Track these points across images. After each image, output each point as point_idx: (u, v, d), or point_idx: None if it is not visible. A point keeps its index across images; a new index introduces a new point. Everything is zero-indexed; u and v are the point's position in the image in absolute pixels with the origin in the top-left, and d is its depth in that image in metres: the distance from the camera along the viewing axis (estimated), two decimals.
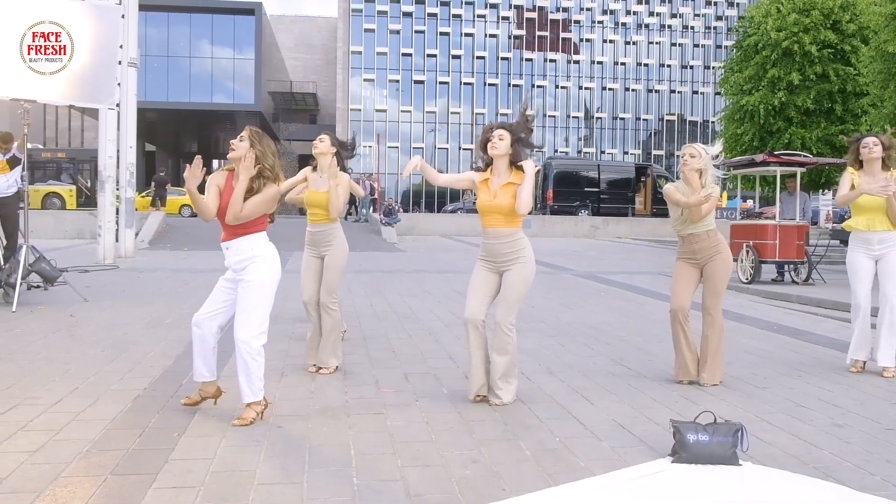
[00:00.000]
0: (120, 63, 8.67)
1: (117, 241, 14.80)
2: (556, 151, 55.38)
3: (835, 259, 15.74)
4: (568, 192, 31.80)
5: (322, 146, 5.60)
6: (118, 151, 14.48)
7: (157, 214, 22.47)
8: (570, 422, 4.38)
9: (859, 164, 5.83)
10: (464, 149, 55.88)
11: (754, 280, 12.47)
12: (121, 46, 8.63)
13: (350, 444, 3.86)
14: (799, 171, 12.57)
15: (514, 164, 4.66)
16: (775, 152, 13.66)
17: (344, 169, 5.85)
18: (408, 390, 5.04)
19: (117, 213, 14.77)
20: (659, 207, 32.59)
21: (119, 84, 8.66)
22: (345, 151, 5.73)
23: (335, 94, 56.50)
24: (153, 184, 28.17)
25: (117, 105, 8.69)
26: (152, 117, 50.93)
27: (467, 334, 4.77)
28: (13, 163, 8.78)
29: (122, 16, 8.67)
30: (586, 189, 32.32)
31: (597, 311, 9.25)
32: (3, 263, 8.80)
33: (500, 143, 4.60)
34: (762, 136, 21.68)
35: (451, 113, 55.46)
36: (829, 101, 20.67)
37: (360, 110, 53.88)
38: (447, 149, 55.59)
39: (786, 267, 12.94)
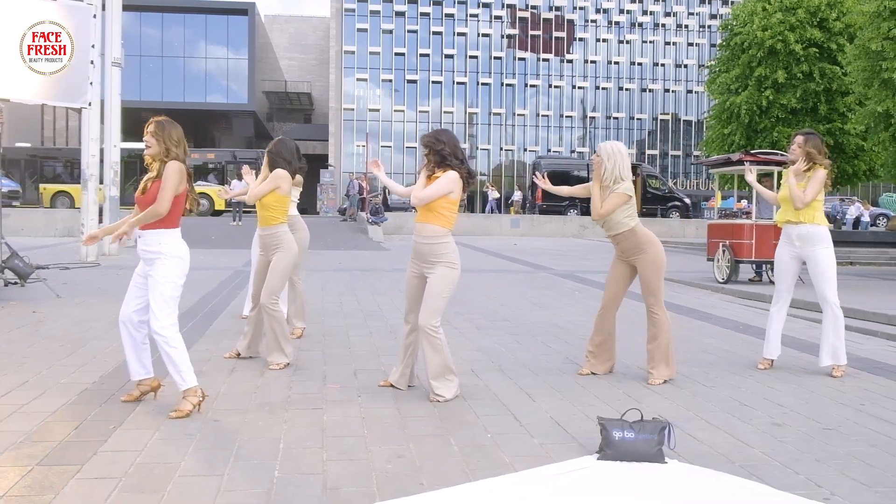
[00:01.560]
0: (92, 63, 8.67)
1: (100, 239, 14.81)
2: (549, 151, 55.40)
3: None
4: None
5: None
6: (102, 150, 14.51)
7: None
8: (507, 419, 4.42)
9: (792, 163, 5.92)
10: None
11: (730, 280, 12.52)
12: (93, 46, 8.65)
13: (280, 439, 3.90)
14: (776, 170, 12.63)
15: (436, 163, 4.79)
16: (752, 151, 13.71)
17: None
18: (353, 386, 5.09)
19: (101, 211, 14.82)
20: (649, 207, 32.66)
21: (91, 83, 8.66)
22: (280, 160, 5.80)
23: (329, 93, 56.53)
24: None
25: (90, 104, 8.67)
26: (148, 117, 50.95)
27: (405, 332, 5.04)
28: None
29: (94, 15, 8.66)
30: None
31: (567, 310, 9.30)
32: None
33: (428, 156, 4.84)
34: (749, 135, 21.73)
35: (445, 112, 55.40)
36: (814, 99, 20.72)
37: (353, 110, 53.83)
38: None
39: (763, 267, 12.99)
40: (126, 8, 45.69)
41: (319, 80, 60.12)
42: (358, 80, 53.90)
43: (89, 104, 8.68)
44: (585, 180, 33.27)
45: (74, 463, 3.45)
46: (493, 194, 35.56)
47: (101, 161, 14.40)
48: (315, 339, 6.83)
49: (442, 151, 4.78)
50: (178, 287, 4.30)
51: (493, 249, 20.16)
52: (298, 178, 7.49)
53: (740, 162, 12.54)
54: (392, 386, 5.03)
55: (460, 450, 3.83)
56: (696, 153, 51.78)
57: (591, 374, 5.62)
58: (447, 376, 4.78)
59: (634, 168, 35.64)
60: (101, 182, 14.66)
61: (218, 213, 32.22)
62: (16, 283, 9.15)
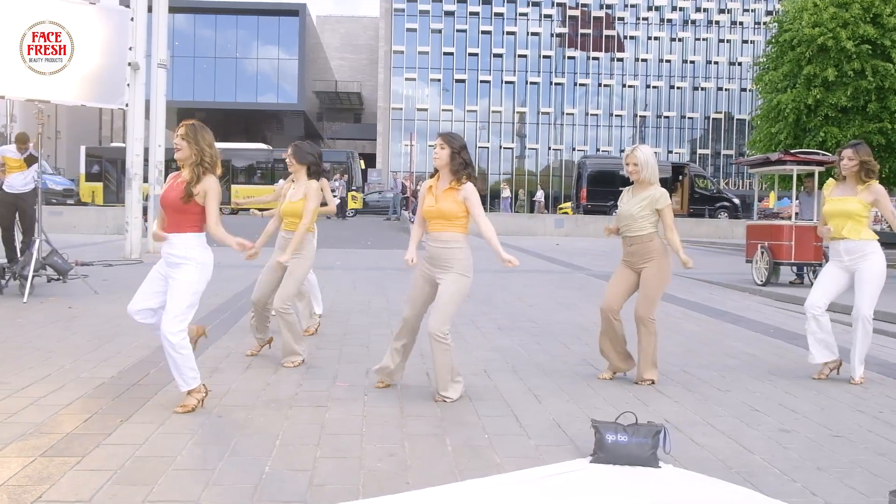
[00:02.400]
0: (129, 65, 8.89)
1: (146, 236, 15.21)
2: (598, 150, 55.02)
3: None
4: (602, 191, 31.61)
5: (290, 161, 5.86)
6: (147, 149, 14.87)
7: None
8: (508, 420, 4.43)
9: (842, 177, 5.77)
10: (505, 147, 55.80)
11: (769, 282, 12.28)
12: (130, 48, 8.87)
13: (279, 435, 3.97)
14: (817, 170, 12.33)
15: (457, 174, 4.76)
16: (792, 151, 13.43)
17: (320, 175, 6.02)
18: (362, 385, 5.15)
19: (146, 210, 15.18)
20: (697, 207, 32.21)
21: (128, 85, 8.89)
22: (314, 166, 5.88)
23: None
24: None
25: (126, 105, 8.90)
26: (201, 116, 52.01)
27: (396, 329, 5.07)
28: (30, 161, 9.12)
29: (132, 18, 8.89)
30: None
31: (594, 312, 9.20)
32: (19, 256, 9.15)
33: (442, 153, 4.73)
34: (797, 134, 21.22)
35: (493, 112, 55.42)
36: (865, 98, 20.14)
37: (401, 109, 54.17)
38: (488, 147, 55.57)
39: (805, 269, 12.72)
40: (181, 10, 46.81)
41: (370, 80, 60.63)
42: (406, 79, 54.23)
43: (126, 105, 8.89)
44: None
45: (76, 455, 3.57)
46: (505, 193, 35.44)
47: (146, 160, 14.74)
48: (335, 337, 6.91)
49: (465, 158, 4.80)
50: (198, 294, 4.37)
51: (535, 249, 20.07)
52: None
53: (780, 161, 12.30)
54: (388, 385, 5.09)
55: (454, 450, 3.85)
56: (742, 152, 50.78)
57: (612, 377, 5.57)
58: (455, 378, 4.81)
59: (681, 168, 35.29)
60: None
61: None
62: (58, 280, 9.41)
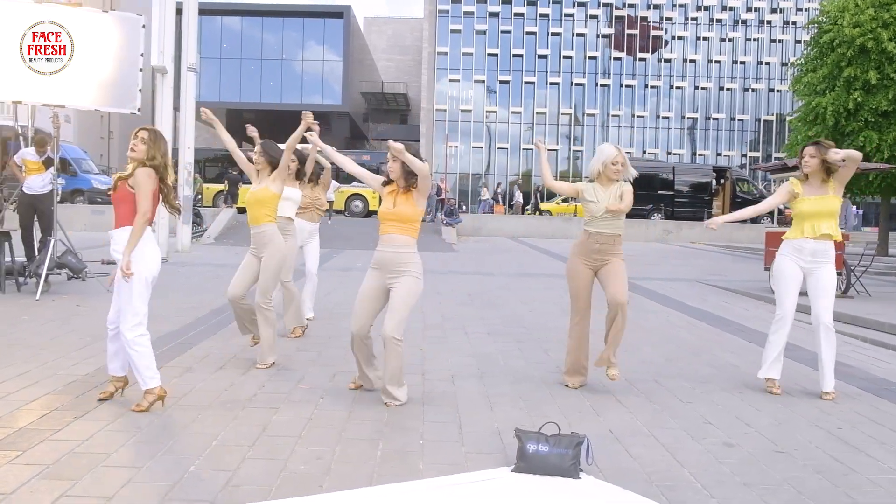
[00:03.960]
0: (141, 70, 9.19)
1: (175, 236, 15.63)
2: (644, 153, 54.46)
3: (881, 270, 15.05)
4: (640, 194, 31.12)
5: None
6: (177, 151, 15.27)
7: (227, 211, 23.41)
8: (451, 426, 4.51)
9: (805, 177, 5.70)
10: (549, 149, 55.52)
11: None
12: (141, 55, 9.15)
13: (218, 435, 4.12)
14: None
15: (408, 182, 4.86)
16: None
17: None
18: (324, 388, 5.27)
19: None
20: None
21: (140, 90, 9.18)
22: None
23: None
24: (226, 181, 29.31)
25: (139, 110, 9.19)
26: (249, 117, 52.97)
27: (353, 345, 5.03)
28: (48, 164, 9.48)
29: (143, 26, 9.17)
30: (660, 192, 31.75)
31: (595, 318, 9.22)
32: (37, 255, 9.51)
33: (395, 166, 4.83)
34: (835, 138, 20.76)
35: (537, 113, 55.24)
36: None
37: (444, 111, 54.35)
38: (531, 149, 55.40)
39: None
40: (228, 12, 47.54)
41: (416, 81, 60.92)
42: (451, 80, 54.40)
43: (138, 110, 9.17)
44: (669, 184, 32.77)
45: (18, 449, 3.76)
46: (484, 195, 35.17)
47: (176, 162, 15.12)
48: (320, 339, 7.05)
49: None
50: (147, 285, 4.55)
51: (561, 253, 20.02)
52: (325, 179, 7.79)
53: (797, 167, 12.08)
54: (360, 387, 5.24)
55: (383, 455, 3.95)
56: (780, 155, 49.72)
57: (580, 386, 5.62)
58: (402, 380, 4.90)
59: (723, 172, 34.77)
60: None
61: (370, 214, 32.69)
62: (78, 278, 9.75)
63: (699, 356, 7.03)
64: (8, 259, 9.00)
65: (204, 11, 47.95)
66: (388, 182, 5.01)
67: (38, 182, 9.51)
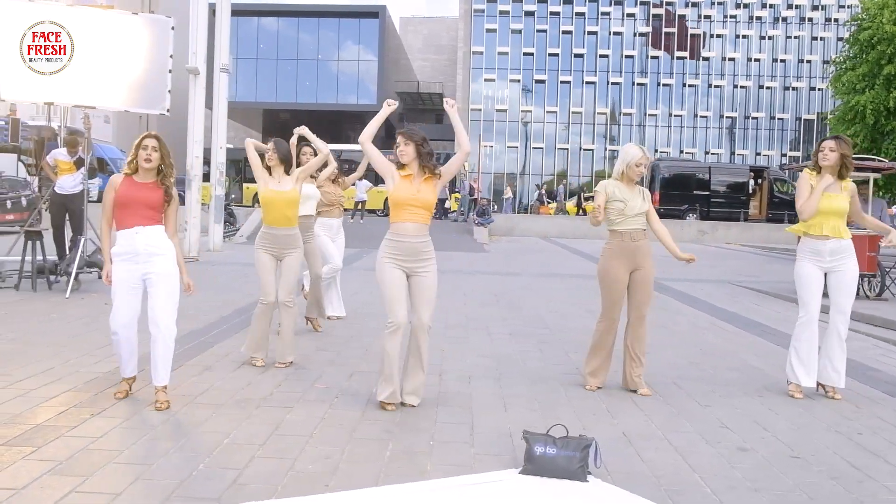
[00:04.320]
0: (170, 71, 9.31)
1: (207, 235, 15.83)
2: (681, 152, 53.92)
3: None
4: (675, 194, 31.01)
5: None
6: (208, 150, 15.46)
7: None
8: (463, 427, 4.50)
9: (818, 169, 5.58)
10: (585, 149, 55.23)
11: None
12: (170, 56, 9.28)
13: (230, 434, 4.16)
14: (872, 176, 11.85)
15: (426, 166, 4.83)
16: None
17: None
18: (340, 388, 5.30)
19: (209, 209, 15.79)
20: (776, 212, 31.25)
21: (170, 91, 9.31)
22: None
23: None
24: None
25: (168, 110, 9.32)
26: (286, 117, 53.49)
27: (392, 340, 4.76)
28: (79, 164, 9.66)
29: (172, 28, 9.30)
30: (695, 192, 31.40)
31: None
32: (67, 254, 9.71)
33: (407, 149, 4.77)
34: (874, 137, 20.44)
35: (573, 112, 54.95)
36: None
37: (480, 110, 54.31)
38: (567, 149, 55.16)
39: (859, 280, 12.23)
40: (265, 13, 48.01)
41: (451, 81, 60.97)
42: (486, 80, 54.35)
43: (167, 110, 9.30)
44: (705, 184, 32.36)
45: (34, 445, 3.84)
46: (507, 194, 34.83)
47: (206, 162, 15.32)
48: (340, 339, 7.08)
49: (430, 149, 4.88)
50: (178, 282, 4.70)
51: (592, 253, 19.90)
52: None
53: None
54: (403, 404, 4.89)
55: (391, 455, 3.96)
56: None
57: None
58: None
59: (761, 172, 34.25)
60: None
61: None
62: None
63: (723, 359, 6.94)
64: (39, 258, 9.19)
65: (241, 12, 48.66)
66: (399, 166, 4.90)
67: (69, 182, 9.70)
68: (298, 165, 7.06)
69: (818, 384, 5.66)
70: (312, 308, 7.34)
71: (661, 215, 26.53)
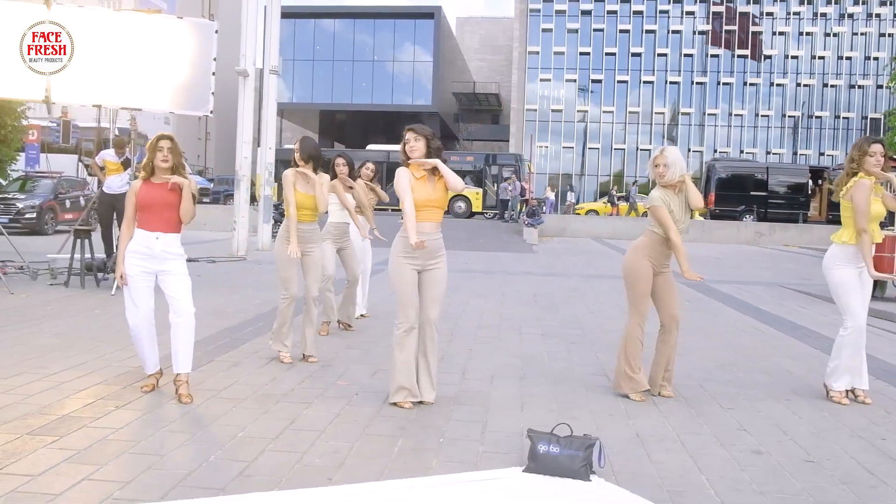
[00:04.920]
0: (214, 74, 9.55)
1: (256, 235, 16.15)
2: (741, 152, 52.88)
3: None
4: (732, 195, 30.44)
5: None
6: (257, 151, 15.78)
7: None
8: (475, 426, 4.54)
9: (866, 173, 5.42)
10: (642, 149, 54.56)
11: (872, 296, 11.53)
12: (214, 59, 9.52)
13: (246, 427, 4.28)
14: None
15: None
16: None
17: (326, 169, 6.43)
18: (361, 385, 5.38)
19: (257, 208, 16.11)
20: (836, 214, 30.38)
21: (213, 93, 9.55)
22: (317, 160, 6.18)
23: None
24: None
25: (211, 112, 9.57)
26: (341, 118, 54.17)
27: (402, 342, 4.83)
28: (126, 164, 9.98)
29: (216, 31, 9.54)
30: (752, 193, 30.77)
31: (654, 322, 9.07)
32: (114, 252, 10.03)
33: (417, 145, 4.82)
34: None
35: (630, 112, 54.33)
36: None
37: (535, 110, 54.10)
38: (623, 149, 54.57)
39: None
40: (321, 15, 48.63)
41: (508, 81, 60.94)
42: (541, 80, 54.11)
43: (211, 112, 9.54)
44: (762, 184, 31.67)
45: (56, 435, 4.01)
46: (548, 194, 34.33)
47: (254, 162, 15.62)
48: (370, 339, 7.17)
49: (439, 145, 4.91)
50: None
51: None
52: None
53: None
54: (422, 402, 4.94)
55: (399, 451, 4.03)
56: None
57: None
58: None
59: (820, 172, 33.37)
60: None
61: (472, 215, 33.03)
62: None
63: (755, 362, 6.83)
64: (88, 256, 9.51)
65: (298, 14, 49.48)
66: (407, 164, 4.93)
67: (116, 182, 10.02)
68: (334, 176, 7.21)
69: (846, 390, 5.54)
70: (344, 310, 7.44)
71: (717, 217, 26.14)
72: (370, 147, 35.61)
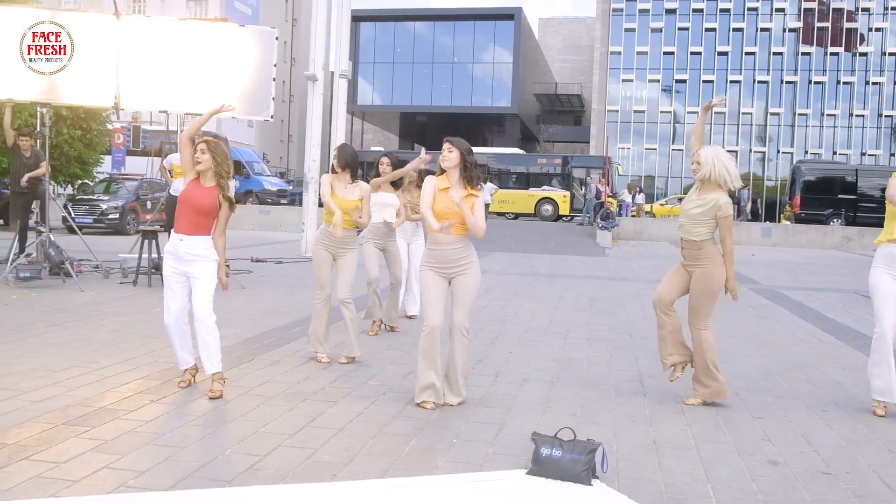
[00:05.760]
0: (274, 80, 9.86)
1: None
2: (834, 154, 50.99)
3: None
4: (818, 198, 29.37)
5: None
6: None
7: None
8: (491, 427, 4.61)
9: None
10: (728, 150, 53.06)
11: None
12: (275, 65, 9.83)
13: (267, 423, 4.46)
14: None
15: (467, 179, 4.95)
16: None
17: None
18: (391, 385, 5.50)
19: None
20: None
21: (273, 98, 9.87)
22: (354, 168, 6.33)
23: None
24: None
25: (272, 116, 9.89)
26: (422, 120, 54.70)
27: (425, 343, 4.94)
28: None
29: (276, 38, 9.86)
30: (840, 196, 29.62)
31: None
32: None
33: (450, 156, 4.92)
34: None
35: (716, 112, 52.98)
36: None
37: (616, 111, 53.40)
38: None
39: None
40: (402, 18, 49.29)
41: (591, 82, 60.41)
42: (623, 80, 53.37)
43: (271, 117, 9.86)
44: (851, 187, 30.43)
45: (89, 425, 4.27)
46: (624, 195, 33.36)
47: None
48: (413, 339, 7.25)
49: (474, 160, 5.00)
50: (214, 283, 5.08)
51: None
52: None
53: None
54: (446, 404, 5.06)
55: (409, 450, 4.13)
56: None
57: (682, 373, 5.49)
58: (463, 378, 5.04)
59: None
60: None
61: (559, 219, 33.08)
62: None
63: (803, 371, 6.65)
64: (155, 255, 9.94)
65: (379, 17, 50.24)
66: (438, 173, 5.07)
67: (182, 185, 10.41)
68: (377, 175, 7.38)
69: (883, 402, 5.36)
70: (387, 312, 7.57)
71: (803, 220, 25.31)
72: (479, 150, 35.84)
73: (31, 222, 9.97)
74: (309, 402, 4.98)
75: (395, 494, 3.56)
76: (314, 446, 4.11)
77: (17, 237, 9.77)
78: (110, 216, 19.85)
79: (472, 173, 4.97)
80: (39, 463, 3.68)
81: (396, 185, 7.53)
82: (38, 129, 9.86)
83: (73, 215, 18.61)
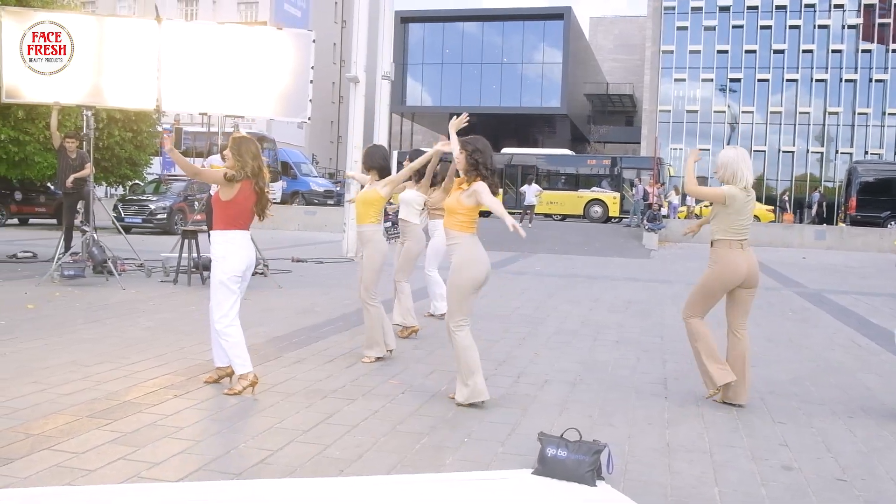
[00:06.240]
0: (311, 81, 10.01)
1: None
2: (895, 154, 49.56)
3: None
4: (875, 200, 28.57)
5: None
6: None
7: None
8: (504, 427, 4.63)
9: None
10: (784, 150, 52.12)
11: None
12: (312, 67, 9.98)
13: (284, 420, 4.55)
14: None
15: (468, 174, 5.02)
16: None
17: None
18: (412, 384, 5.56)
19: None
20: None
21: (311, 100, 10.01)
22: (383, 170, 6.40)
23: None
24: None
25: (309, 118, 10.05)
26: (472, 120, 54.67)
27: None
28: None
29: (313, 41, 10.01)
30: None
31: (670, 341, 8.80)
32: None
33: (459, 157, 5.03)
34: None
35: (772, 112, 51.98)
36: None
37: (668, 111, 52.69)
38: (765, 151, 52.20)
39: None
40: (450, 18, 49.43)
41: (642, 81, 59.75)
42: (676, 80, 52.65)
43: (308, 119, 10.02)
44: None
45: (112, 418, 4.41)
46: (672, 197, 32.64)
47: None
48: (441, 339, 7.32)
49: (478, 158, 5.03)
50: (223, 285, 5.08)
51: (767, 262, 18.91)
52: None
53: None
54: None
55: (419, 448, 4.18)
56: None
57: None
58: (467, 381, 5.04)
59: None
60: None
61: (609, 220, 32.97)
62: (260, 274, 10.78)
63: (834, 377, 6.53)
64: (195, 255, 10.17)
65: (427, 18, 50.38)
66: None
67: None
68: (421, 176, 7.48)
69: None
70: (407, 316, 7.57)
71: (859, 223, 24.72)
72: (504, 150, 35.83)
73: (77, 222, 10.29)
74: (328, 399, 5.07)
75: (397, 491, 3.61)
76: (326, 442, 4.19)
77: (63, 236, 10.11)
78: (158, 216, 20.36)
79: (480, 171, 5.00)
80: (59, 453, 3.83)
81: (433, 182, 7.60)
82: (84, 131, 10.18)
83: (123, 215, 19.12)
